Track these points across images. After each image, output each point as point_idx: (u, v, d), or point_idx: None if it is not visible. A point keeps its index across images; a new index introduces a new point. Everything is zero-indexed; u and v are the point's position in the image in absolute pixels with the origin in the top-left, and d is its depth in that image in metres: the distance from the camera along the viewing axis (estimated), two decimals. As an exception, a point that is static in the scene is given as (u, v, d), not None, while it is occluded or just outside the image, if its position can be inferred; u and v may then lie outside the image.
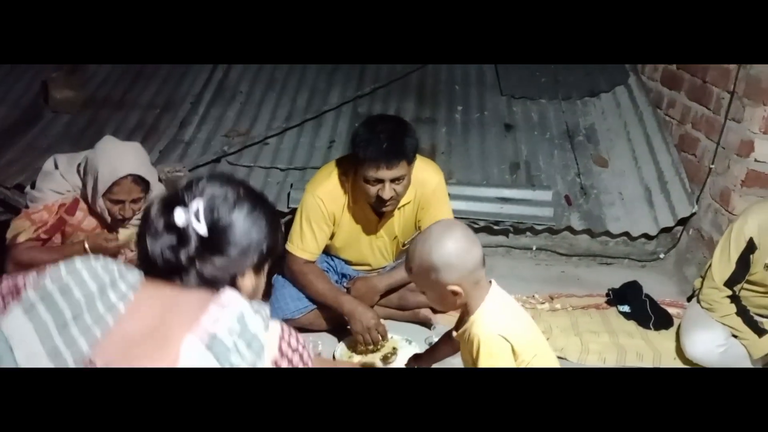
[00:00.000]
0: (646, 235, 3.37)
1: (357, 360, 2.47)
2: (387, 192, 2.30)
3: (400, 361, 2.45)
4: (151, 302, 1.10)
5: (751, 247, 2.39)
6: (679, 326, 2.70)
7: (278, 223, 1.25)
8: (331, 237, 2.55)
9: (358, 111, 3.91)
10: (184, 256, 1.11)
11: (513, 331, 1.63)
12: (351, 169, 2.43)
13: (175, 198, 1.14)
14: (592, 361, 2.59)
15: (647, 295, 2.95)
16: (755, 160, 2.88)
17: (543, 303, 2.99)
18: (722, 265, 2.46)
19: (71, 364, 1.01)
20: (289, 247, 2.48)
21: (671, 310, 2.91)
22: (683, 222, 3.36)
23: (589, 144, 3.77)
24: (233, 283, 1.18)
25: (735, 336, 2.46)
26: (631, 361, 2.60)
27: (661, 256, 3.43)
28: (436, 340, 2.52)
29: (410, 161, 2.32)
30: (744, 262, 2.42)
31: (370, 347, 2.45)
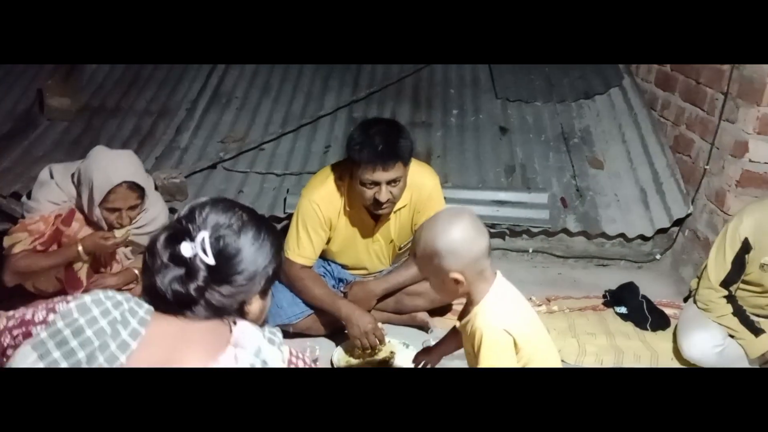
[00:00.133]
0: (642, 237, 3.38)
1: (355, 364, 2.46)
2: (383, 194, 2.30)
3: (397, 365, 2.45)
4: (163, 337, 1.11)
5: (746, 247, 2.40)
6: (676, 327, 2.70)
7: (281, 243, 1.25)
8: (328, 241, 2.55)
9: (354, 116, 3.92)
10: (193, 288, 1.11)
11: (516, 324, 1.61)
12: (346, 174, 2.43)
13: (180, 230, 1.14)
14: (590, 363, 2.59)
15: (644, 296, 2.95)
16: (750, 161, 2.89)
17: (540, 305, 2.99)
18: (718, 265, 2.47)
19: None
20: (286, 252, 2.48)
21: (668, 311, 2.91)
22: (679, 223, 3.37)
23: (584, 146, 3.78)
24: (241, 309, 1.19)
25: (732, 336, 2.46)
26: (629, 363, 2.60)
27: (657, 257, 3.44)
28: (433, 343, 2.53)
29: (406, 163, 2.32)
30: (739, 263, 2.43)
31: (368, 351, 2.44)
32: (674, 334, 2.69)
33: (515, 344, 1.60)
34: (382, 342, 2.46)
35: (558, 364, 1.78)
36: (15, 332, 1.11)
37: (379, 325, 2.47)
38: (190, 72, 4.27)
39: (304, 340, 2.53)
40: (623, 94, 4.02)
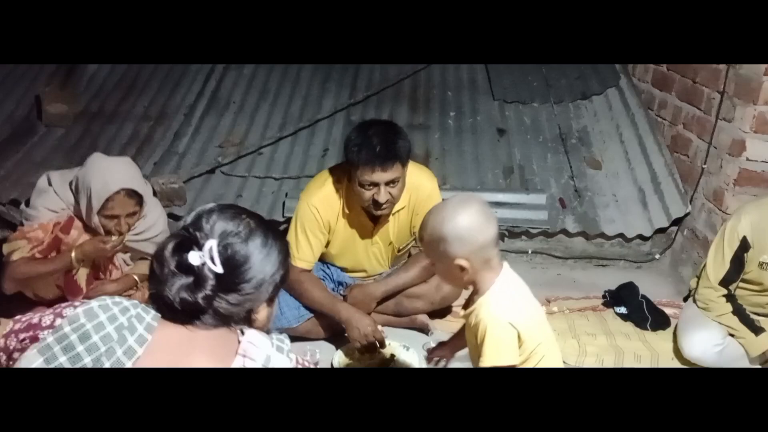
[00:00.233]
0: (640, 236, 3.39)
1: (355, 367, 2.46)
2: (382, 195, 2.30)
3: (397, 367, 2.45)
4: (170, 344, 1.11)
5: (744, 245, 2.40)
6: (676, 326, 2.70)
7: (288, 250, 1.25)
8: (327, 244, 2.55)
9: (352, 119, 3.92)
10: (201, 297, 1.10)
11: (521, 317, 1.60)
12: (345, 177, 2.43)
13: (188, 239, 1.13)
14: (590, 364, 2.59)
15: (644, 296, 2.96)
16: (747, 159, 2.89)
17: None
18: (717, 264, 2.47)
19: None
20: (285, 256, 2.48)
21: (668, 311, 2.92)
22: (677, 222, 3.37)
23: (582, 147, 3.79)
24: (248, 316, 1.19)
25: (732, 335, 2.47)
26: (629, 363, 2.60)
27: (657, 256, 3.45)
28: (434, 346, 2.52)
29: (404, 163, 2.33)
30: (738, 261, 2.43)
31: (368, 354, 2.44)
32: (674, 334, 2.69)
33: (519, 337, 1.59)
34: (382, 344, 2.46)
35: (559, 360, 1.77)
36: (22, 336, 1.12)
37: (379, 327, 2.47)
38: (188, 76, 4.27)
39: (305, 344, 2.53)
40: (620, 95, 4.02)
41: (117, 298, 1.15)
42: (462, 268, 1.60)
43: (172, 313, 1.12)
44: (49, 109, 3.88)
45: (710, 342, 2.47)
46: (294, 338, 2.54)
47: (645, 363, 2.60)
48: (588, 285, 3.23)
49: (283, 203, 3.34)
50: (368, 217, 2.49)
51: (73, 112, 3.97)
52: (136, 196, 2.36)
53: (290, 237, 2.49)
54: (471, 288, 1.70)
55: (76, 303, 1.13)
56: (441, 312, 2.80)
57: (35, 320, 1.13)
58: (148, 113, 4.02)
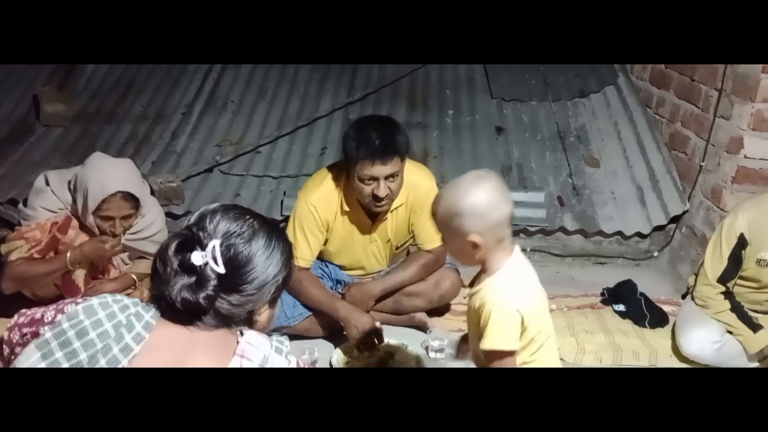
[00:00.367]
0: (639, 234, 3.39)
1: (354, 365, 2.46)
2: (382, 190, 2.30)
3: (396, 366, 2.45)
4: (168, 343, 1.11)
5: (742, 243, 2.41)
6: (674, 324, 2.70)
7: (292, 251, 1.24)
8: (325, 242, 2.55)
9: (350, 117, 3.91)
10: (203, 297, 1.10)
11: (527, 303, 1.59)
12: (342, 174, 2.44)
13: (191, 238, 1.13)
14: (589, 362, 2.59)
15: (642, 294, 2.96)
16: (745, 157, 2.89)
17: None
18: (714, 261, 2.48)
19: None
20: (283, 254, 2.48)
21: (666, 308, 2.92)
22: (676, 220, 3.37)
23: (580, 145, 3.79)
24: (249, 318, 1.18)
25: (730, 332, 2.47)
26: (628, 360, 2.60)
27: (655, 254, 3.45)
28: (433, 344, 2.53)
29: (403, 157, 2.33)
30: (736, 258, 2.43)
31: (366, 352, 2.44)
32: (673, 331, 2.69)
33: (522, 322, 1.58)
34: (380, 341, 2.46)
35: (556, 351, 1.76)
36: (24, 330, 1.13)
37: (377, 325, 2.47)
38: (186, 76, 4.26)
39: (303, 342, 2.53)
40: (618, 93, 4.02)
41: (118, 296, 1.15)
42: (475, 245, 1.58)
43: (173, 312, 1.12)
44: (47, 108, 3.88)
45: (708, 339, 2.47)
46: (292, 336, 2.55)
47: (643, 360, 2.60)
48: (586, 283, 3.23)
49: (281, 202, 3.34)
50: (366, 215, 2.49)
51: (71, 112, 3.97)
52: (132, 200, 2.36)
53: (288, 235, 2.49)
54: (479, 267, 1.68)
55: (79, 300, 1.14)
56: (439, 310, 2.80)
57: (38, 315, 1.13)
58: (146, 113, 4.02)
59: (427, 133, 3.84)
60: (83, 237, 2.42)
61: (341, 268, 2.69)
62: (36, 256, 2.36)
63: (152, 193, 2.75)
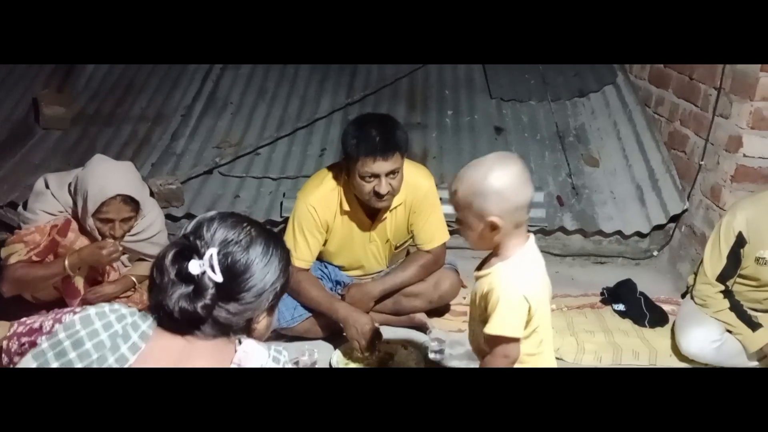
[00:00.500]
0: (638, 233, 3.39)
1: (354, 366, 2.46)
2: (384, 186, 2.31)
3: (396, 366, 2.45)
4: (164, 353, 1.11)
5: (740, 241, 2.41)
6: (674, 323, 2.70)
7: (290, 258, 1.24)
8: (325, 243, 2.56)
9: (349, 118, 3.89)
10: (200, 306, 1.10)
11: (535, 293, 1.59)
12: (341, 175, 2.44)
13: (188, 247, 1.12)
14: (588, 361, 2.59)
15: (642, 293, 2.95)
16: (744, 155, 2.89)
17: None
18: (713, 260, 2.48)
19: None
20: (283, 255, 2.48)
21: (666, 307, 2.92)
22: (675, 219, 3.37)
23: (579, 144, 3.79)
24: (248, 326, 1.18)
25: (729, 331, 2.47)
26: (627, 360, 2.60)
27: (655, 253, 3.45)
28: (433, 344, 2.53)
29: (403, 153, 2.34)
30: (735, 257, 2.43)
31: (366, 353, 2.44)
32: (672, 331, 2.69)
33: (529, 311, 1.58)
34: (379, 340, 2.46)
35: (552, 346, 1.75)
36: (23, 339, 1.13)
37: (376, 326, 2.47)
38: (185, 77, 4.27)
39: (303, 344, 2.53)
40: (617, 92, 4.02)
41: (116, 305, 1.15)
42: (494, 227, 1.56)
43: (171, 322, 1.12)
44: (46, 111, 3.89)
45: (708, 338, 2.47)
46: (292, 338, 2.56)
47: (643, 360, 2.60)
48: (586, 282, 3.23)
49: (281, 203, 3.34)
50: (366, 215, 2.50)
51: (70, 114, 3.97)
52: (132, 203, 2.36)
53: (288, 236, 2.49)
54: (491, 251, 1.66)
55: (77, 309, 1.14)
56: (439, 310, 2.80)
57: (36, 325, 1.14)
58: (146, 114, 4.02)
59: (426, 134, 3.84)
60: (83, 240, 2.42)
61: (341, 268, 2.69)
62: (35, 258, 2.36)
63: (151, 195, 2.75)
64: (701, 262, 2.56)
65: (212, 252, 1.10)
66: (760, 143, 2.86)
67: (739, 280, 2.50)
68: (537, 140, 3.81)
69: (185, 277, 1.10)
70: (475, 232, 1.61)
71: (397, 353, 2.52)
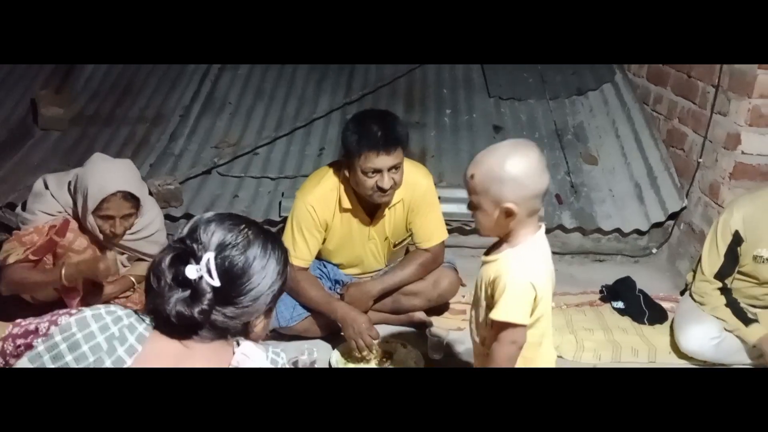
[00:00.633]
0: (637, 231, 3.39)
1: (352, 366, 2.46)
2: (386, 181, 2.31)
3: (394, 365, 2.45)
4: (161, 355, 1.11)
5: (737, 239, 2.41)
6: (673, 320, 2.71)
7: (288, 258, 1.23)
8: (323, 241, 2.56)
9: (347, 118, 3.90)
10: (198, 311, 1.09)
11: (541, 282, 1.60)
12: (340, 173, 2.44)
13: (185, 251, 1.11)
14: (588, 359, 2.59)
15: (641, 291, 2.96)
16: (742, 153, 2.89)
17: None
18: (711, 258, 2.48)
19: None
20: (282, 255, 2.48)
21: (665, 305, 2.92)
22: (674, 216, 3.37)
23: (578, 142, 3.79)
24: (245, 328, 1.18)
25: (727, 329, 2.47)
26: (627, 357, 2.60)
27: (654, 251, 3.45)
28: (432, 343, 2.53)
29: (404, 148, 2.34)
30: (732, 255, 2.44)
31: (365, 353, 2.44)
32: (671, 328, 2.69)
33: (534, 299, 1.58)
34: (376, 339, 2.46)
35: (551, 339, 1.77)
36: (18, 341, 1.12)
37: (377, 325, 2.47)
38: (183, 78, 4.27)
39: (302, 343, 2.52)
40: (616, 90, 4.02)
41: (112, 307, 1.14)
42: (509, 213, 1.56)
43: (168, 326, 1.11)
44: (44, 112, 3.89)
45: (707, 335, 2.47)
46: (291, 337, 2.56)
47: (642, 357, 2.61)
48: (585, 280, 3.23)
49: (280, 203, 3.34)
50: (364, 212, 2.50)
51: (69, 115, 3.97)
52: (132, 199, 2.36)
53: (287, 236, 2.49)
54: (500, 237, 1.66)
55: (73, 311, 1.13)
56: (438, 309, 2.80)
57: (32, 327, 1.13)
58: (144, 115, 4.02)
59: (425, 133, 3.84)
60: (82, 239, 2.42)
61: (339, 267, 2.69)
62: (32, 257, 2.35)
63: (150, 195, 2.75)
64: (699, 259, 2.56)
65: (209, 256, 1.09)
66: (758, 140, 2.86)
67: (739, 276, 2.51)
68: (535, 139, 3.80)
69: (182, 281, 1.09)
70: (490, 217, 1.60)
71: (396, 352, 2.53)
